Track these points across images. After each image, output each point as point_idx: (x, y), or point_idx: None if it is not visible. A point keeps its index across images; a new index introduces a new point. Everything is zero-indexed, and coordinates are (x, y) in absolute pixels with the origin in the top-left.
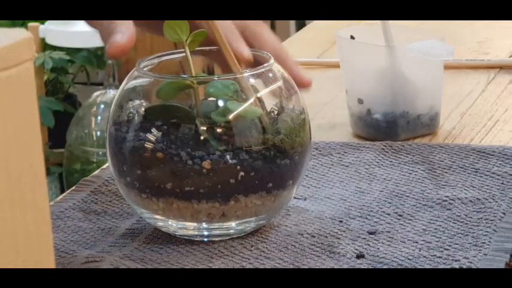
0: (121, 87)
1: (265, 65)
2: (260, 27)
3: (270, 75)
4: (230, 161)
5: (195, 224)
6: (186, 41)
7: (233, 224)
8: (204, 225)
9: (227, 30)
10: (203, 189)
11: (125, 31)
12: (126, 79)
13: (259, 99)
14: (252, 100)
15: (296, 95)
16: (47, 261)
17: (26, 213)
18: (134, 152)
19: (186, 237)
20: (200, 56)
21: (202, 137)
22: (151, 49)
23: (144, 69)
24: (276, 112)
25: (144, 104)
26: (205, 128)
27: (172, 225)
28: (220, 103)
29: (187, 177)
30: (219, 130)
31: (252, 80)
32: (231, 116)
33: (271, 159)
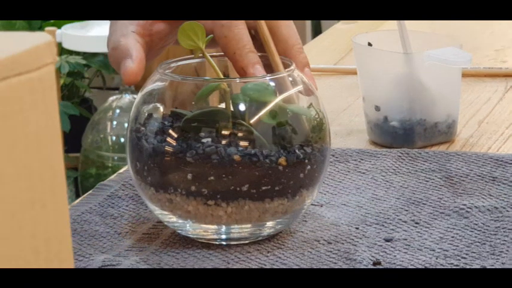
0: (144, 90)
1: (288, 70)
2: (279, 24)
3: (290, 79)
4: (301, 155)
5: (257, 226)
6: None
7: (290, 218)
8: (269, 224)
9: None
10: (278, 187)
11: (135, 57)
12: (150, 81)
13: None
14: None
15: (316, 100)
16: (67, 262)
17: (46, 215)
18: (205, 159)
19: (243, 242)
20: (215, 61)
21: (273, 135)
22: (167, 55)
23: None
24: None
25: (194, 110)
26: (277, 126)
27: (235, 230)
28: (241, 105)
29: (265, 176)
30: (288, 127)
31: (272, 84)
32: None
33: (323, 152)
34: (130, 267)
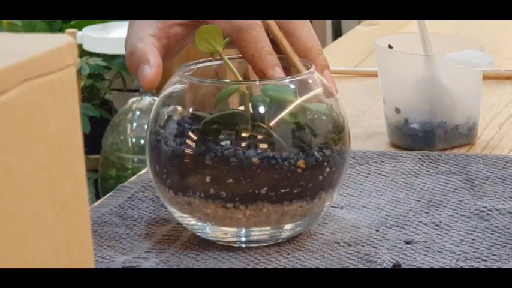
0: (164, 93)
1: (305, 72)
2: (296, 25)
3: (310, 82)
4: (320, 158)
5: (277, 228)
6: (221, 49)
7: (311, 221)
8: (288, 226)
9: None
10: (297, 189)
11: (153, 63)
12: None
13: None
14: (300, 100)
15: (336, 102)
16: (87, 264)
17: (67, 217)
18: (223, 162)
19: (262, 244)
20: (234, 64)
21: (292, 137)
22: (187, 57)
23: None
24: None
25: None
26: (295, 128)
27: (255, 232)
28: (261, 107)
29: (283, 179)
30: (307, 129)
31: (292, 86)
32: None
33: (343, 155)
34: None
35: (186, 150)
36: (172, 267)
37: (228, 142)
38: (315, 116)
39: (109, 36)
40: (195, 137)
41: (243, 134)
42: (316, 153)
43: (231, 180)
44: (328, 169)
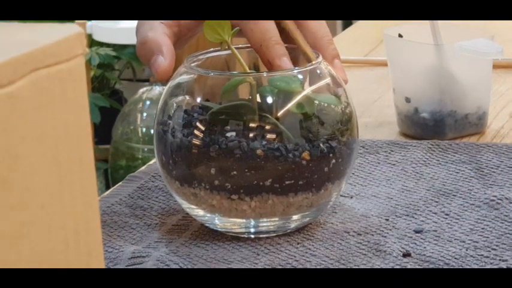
0: (170, 83)
1: (314, 62)
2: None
3: (318, 72)
4: (325, 149)
5: (284, 219)
6: (229, 40)
7: (317, 212)
8: (295, 217)
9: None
10: (302, 181)
11: (166, 53)
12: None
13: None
14: (307, 91)
15: (344, 92)
16: (96, 254)
17: (76, 207)
18: (227, 154)
19: (270, 235)
20: (244, 53)
21: (300, 129)
22: (197, 45)
23: (192, 65)
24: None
25: (218, 103)
26: (302, 120)
27: (263, 224)
28: (268, 98)
29: (288, 170)
30: (313, 120)
31: (300, 77)
32: (323, 106)
33: (350, 145)
34: (160, 259)
35: (191, 142)
36: (183, 257)
37: (234, 133)
38: (322, 107)
39: (119, 26)
40: (200, 128)
41: (249, 125)
42: (321, 145)
43: (235, 172)
44: (334, 160)
